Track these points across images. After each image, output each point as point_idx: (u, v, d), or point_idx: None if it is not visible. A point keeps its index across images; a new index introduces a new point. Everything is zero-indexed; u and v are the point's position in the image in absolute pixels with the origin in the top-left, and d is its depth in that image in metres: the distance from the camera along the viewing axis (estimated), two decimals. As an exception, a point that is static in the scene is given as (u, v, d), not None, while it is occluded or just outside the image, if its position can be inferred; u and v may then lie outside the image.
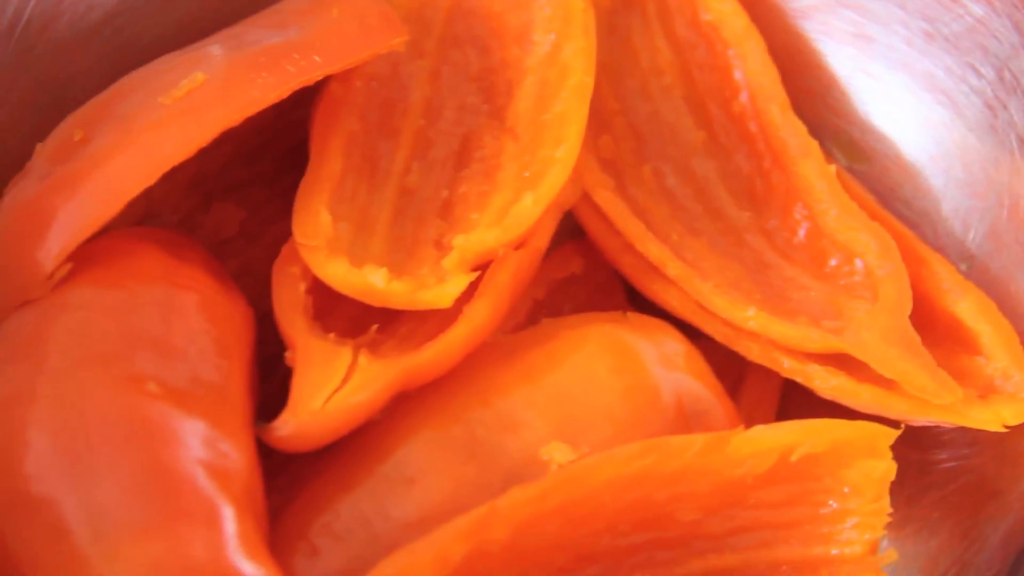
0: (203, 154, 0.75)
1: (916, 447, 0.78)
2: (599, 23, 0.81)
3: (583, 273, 0.82)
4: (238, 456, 0.66)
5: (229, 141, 0.79)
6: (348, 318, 0.74)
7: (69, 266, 0.70)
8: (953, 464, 0.79)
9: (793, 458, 0.69)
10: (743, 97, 0.83)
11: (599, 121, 0.82)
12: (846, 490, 0.70)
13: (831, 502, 0.71)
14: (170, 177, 0.75)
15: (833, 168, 0.81)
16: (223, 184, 0.82)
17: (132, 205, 0.73)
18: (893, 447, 0.70)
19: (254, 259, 0.77)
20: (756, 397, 0.79)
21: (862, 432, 0.70)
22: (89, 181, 0.70)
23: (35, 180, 0.72)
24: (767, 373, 0.79)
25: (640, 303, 0.79)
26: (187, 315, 0.70)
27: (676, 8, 0.84)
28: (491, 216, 0.74)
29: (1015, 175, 0.79)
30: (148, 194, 0.75)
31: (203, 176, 0.81)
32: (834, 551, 0.71)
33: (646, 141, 0.83)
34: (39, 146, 0.74)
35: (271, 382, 0.72)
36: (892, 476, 0.69)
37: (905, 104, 0.83)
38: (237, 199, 0.82)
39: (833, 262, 0.80)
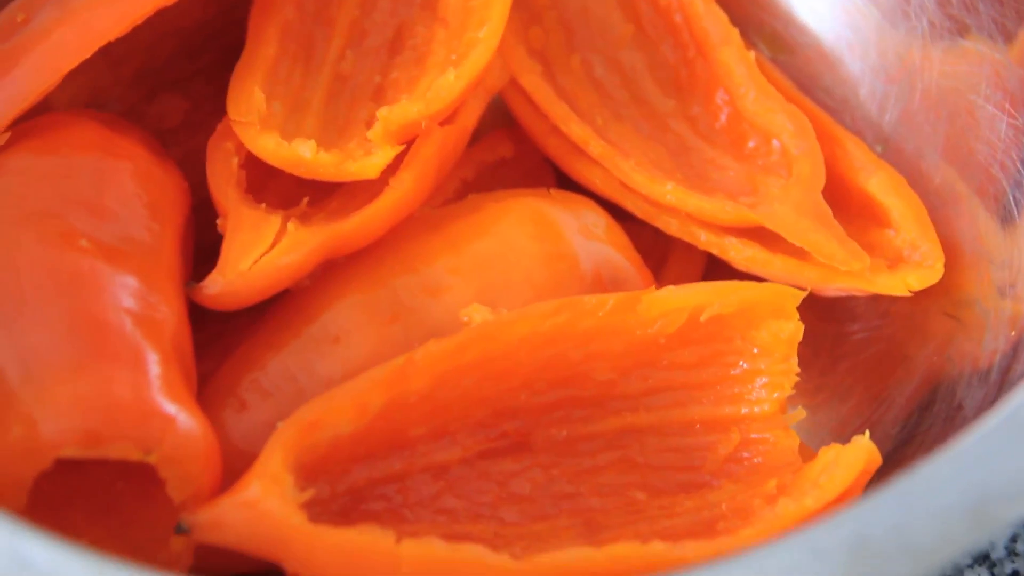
0: (148, 49, 0.79)
1: (831, 320, 0.81)
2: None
3: (513, 158, 0.85)
4: (167, 311, 0.69)
5: (173, 36, 0.82)
6: (280, 194, 0.77)
7: (7, 135, 0.73)
8: (865, 335, 0.82)
9: (703, 318, 0.72)
10: (670, -10, 0.86)
11: (530, 15, 0.85)
12: (755, 351, 0.73)
13: (741, 363, 0.74)
14: (115, 69, 0.78)
15: (752, 54, 0.84)
16: (167, 78, 0.85)
17: (75, 94, 0.77)
18: (808, 320, 0.72)
19: (196, 148, 0.80)
20: (677, 275, 0.81)
21: (770, 293, 0.72)
22: (29, 55, 0.74)
23: (-23, 58, 0.75)
24: (689, 254, 0.82)
25: (568, 188, 0.81)
26: (121, 181, 0.73)
27: (604, -96, 0.88)
28: (417, 95, 0.77)
29: (925, 59, 0.83)
30: (93, 84, 0.78)
31: (148, 70, 0.84)
32: (744, 410, 0.74)
33: (575, 33, 0.86)
34: (-18, 29, 0.77)
35: (207, 267, 0.75)
36: (799, 336, 0.72)
37: (825, -5, 0.86)
38: (181, 92, 0.85)
39: (751, 144, 0.83)
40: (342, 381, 0.70)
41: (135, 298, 0.68)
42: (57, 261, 0.68)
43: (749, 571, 0.54)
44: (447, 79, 0.76)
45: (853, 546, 0.54)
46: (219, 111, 0.79)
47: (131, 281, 0.68)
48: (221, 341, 0.75)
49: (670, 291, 0.71)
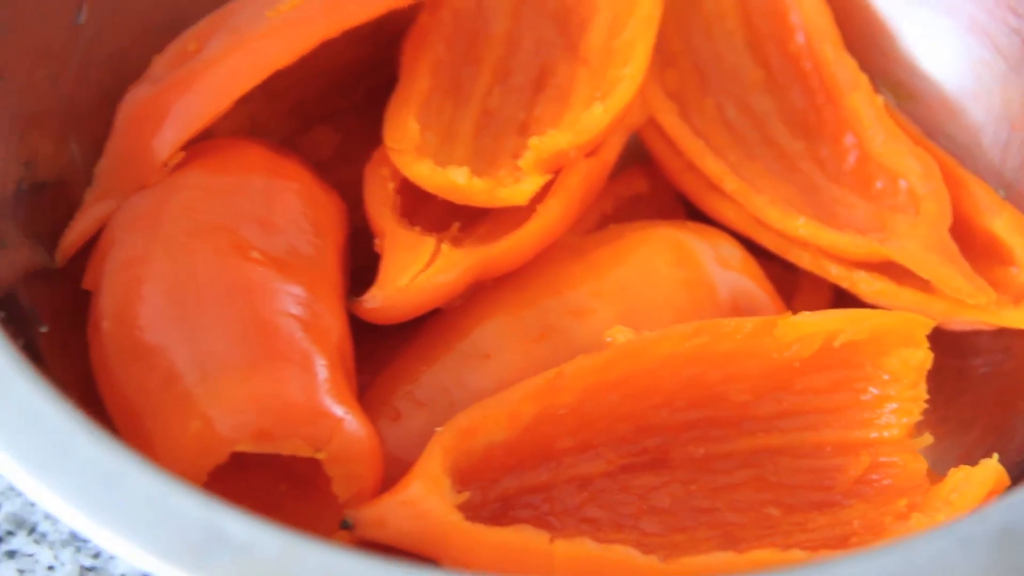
0: (304, 84, 0.83)
1: (954, 355, 0.84)
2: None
3: (648, 193, 0.88)
4: (332, 320, 0.74)
5: (327, 73, 0.87)
6: (431, 219, 0.81)
7: (182, 155, 0.78)
8: (987, 369, 0.84)
9: (836, 343, 0.75)
10: (799, 38, 0.90)
11: (665, 59, 0.89)
12: (886, 377, 0.76)
13: (871, 388, 0.76)
14: (274, 102, 0.83)
15: (881, 99, 0.88)
16: (321, 111, 0.89)
17: (237, 124, 0.81)
18: (932, 354, 0.75)
19: (348, 179, 0.84)
20: (806, 306, 0.84)
21: (901, 321, 0.75)
22: (202, 80, 0.78)
23: (152, 83, 0.80)
24: (816, 286, 0.86)
25: (700, 222, 0.85)
26: (287, 199, 0.78)
27: (737, -43, 0.92)
28: (563, 128, 0.81)
29: (1049, 107, 0.86)
30: (253, 115, 0.83)
31: (303, 103, 0.88)
32: (874, 434, 0.76)
33: (708, 78, 0.90)
34: (156, 57, 0.82)
35: (358, 289, 0.79)
36: (928, 364, 0.75)
37: (949, 45, 0.90)
38: (333, 126, 0.90)
39: (879, 184, 0.86)
40: (492, 394, 0.73)
41: (302, 306, 0.72)
42: (231, 270, 0.72)
43: (897, 561, 0.56)
44: (595, 112, 0.80)
45: (1001, 535, 0.56)
46: (368, 144, 0.84)
47: (298, 291, 0.72)
48: (375, 356, 0.78)
49: (805, 316, 0.74)
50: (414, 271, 0.75)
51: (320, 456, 0.67)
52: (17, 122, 0.76)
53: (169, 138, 0.77)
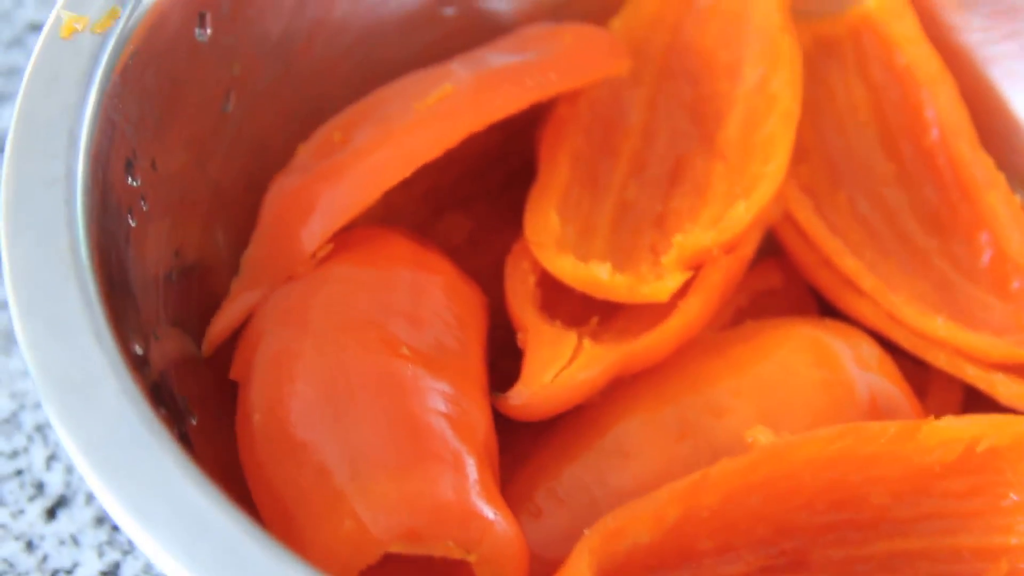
0: (438, 171, 0.84)
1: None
2: (798, 65, 0.89)
3: (782, 287, 0.89)
4: (478, 416, 0.74)
5: (461, 160, 0.87)
6: (570, 313, 0.82)
7: (330, 247, 0.78)
8: None
9: (979, 449, 0.74)
10: (933, 134, 0.90)
11: (798, 152, 0.89)
12: (1026, 484, 0.76)
13: (1012, 494, 0.76)
14: (408, 188, 0.83)
15: (1018, 199, 0.88)
16: (453, 198, 0.90)
17: (373, 209, 0.82)
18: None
19: (480, 265, 0.84)
20: (938, 406, 0.84)
21: (1043, 429, 0.75)
22: (350, 172, 0.79)
23: (299, 173, 0.81)
24: (949, 385, 0.86)
25: (833, 318, 0.85)
26: (433, 293, 0.78)
27: (873, 53, 0.92)
28: (703, 224, 0.81)
29: None
30: (388, 201, 0.83)
31: (436, 190, 0.89)
32: (1014, 540, 0.76)
33: (841, 172, 0.90)
34: (301, 146, 0.83)
35: (496, 384, 0.79)
36: (1070, 473, 0.75)
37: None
38: (465, 211, 0.90)
39: (1016, 284, 0.86)
40: (633, 494, 0.73)
41: (451, 403, 0.72)
42: (381, 367, 0.72)
43: None
44: (737, 210, 0.80)
45: None
46: (500, 229, 0.84)
47: (447, 387, 0.73)
48: (512, 451, 0.79)
49: (949, 421, 0.74)
50: (557, 367, 0.76)
51: (471, 558, 0.68)
52: (168, 210, 0.76)
53: (317, 230, 0.77)
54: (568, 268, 0.78)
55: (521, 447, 0.80)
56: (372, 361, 0.72)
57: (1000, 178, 0.87)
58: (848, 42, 0.93)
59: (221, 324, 0.78)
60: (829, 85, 0.92)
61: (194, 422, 0.73)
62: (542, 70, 0.81)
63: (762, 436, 0.75)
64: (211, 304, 0.79)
